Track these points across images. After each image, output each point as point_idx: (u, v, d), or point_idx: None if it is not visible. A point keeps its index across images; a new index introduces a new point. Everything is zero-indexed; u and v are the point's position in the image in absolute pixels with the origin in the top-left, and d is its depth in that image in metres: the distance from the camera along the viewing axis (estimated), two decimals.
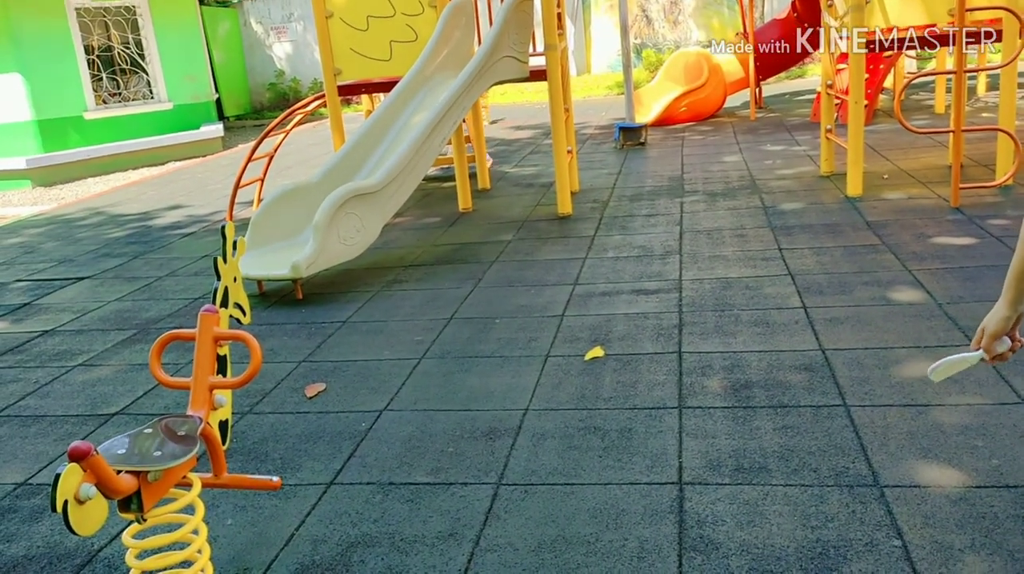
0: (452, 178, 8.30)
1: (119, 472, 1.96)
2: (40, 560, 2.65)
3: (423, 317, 4.62)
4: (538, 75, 6.83)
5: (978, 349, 1.80)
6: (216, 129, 14.29)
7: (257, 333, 4.59)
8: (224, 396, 2.42)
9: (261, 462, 3.17)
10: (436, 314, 4.64)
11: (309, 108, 8.06)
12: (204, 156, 13.60)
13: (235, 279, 2.55)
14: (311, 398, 3.71)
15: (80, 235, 7.79)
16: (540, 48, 6.97)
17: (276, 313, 4.96)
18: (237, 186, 7.50)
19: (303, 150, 12.21)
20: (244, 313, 2.62)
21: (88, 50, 13.37)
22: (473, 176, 8.13)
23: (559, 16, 6.94)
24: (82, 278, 6.18)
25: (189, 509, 2.17)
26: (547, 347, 4.01)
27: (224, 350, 2.49)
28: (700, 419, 3.18)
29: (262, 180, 7.95)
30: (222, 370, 2.48)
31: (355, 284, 5.35)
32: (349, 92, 7.55)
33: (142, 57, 14.16)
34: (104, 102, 13.61)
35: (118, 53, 13.88)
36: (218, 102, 17.14)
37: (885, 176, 6.93)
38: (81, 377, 4.21)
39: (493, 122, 13.56)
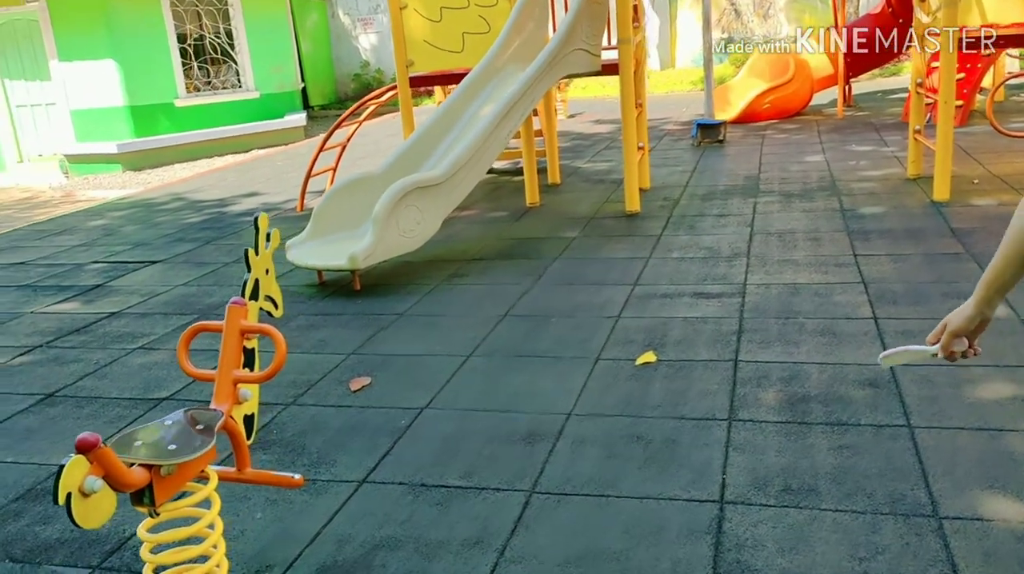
0: (522, 172, 8.20)
1: (132, 465, 1.94)
2: (72, 544, 2.68)
3: (478, 313, 4.55)
4: (611, 69, 6.67)
5: (935, 343, 1.75)
6: (299, 118, 14.53)
7: (311, 323, 4.61)
8: (250, 390, 2.39)
9: (298, 455, 3.15)
10: (492, 310, 4.56)
11: (383, 99, 8.08)
12: (287, 144, 13.84)
13: (267, 271, 2.52)
14: (355, 392, 3.68)
15: (159, 219, 8.00)
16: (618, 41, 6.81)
17: (332, 303, 4.96)
18: (308, 175, 7.57)
19: (379, 141, 12.29)
20: (276, 306, 2.59)
21: (181, 39, 13.76)
22: (543, 171, 8.04)
23: (635, 8, 6.76)
24: (155, 262, 6.32)
25: (206, 503, 2.14)
26: (599, 349, 3.89)
27: (252, 343, 2.46)
28: (750, 433, 3.02)
29: (334, 169, 8.02)
30: (250, 363, 2.45)
31: (414, 277, 5.32)
32: (421, 84, 7.54)
33: (232, 47, 14.50)
34: (197, 89, 13.98)
35: (209, 43, 14.25)
36: (304, 92, 17.44)
37: (976, 181, 6.55)
38: (139, 360, 4.28)
39: (571, 116, 13.42)
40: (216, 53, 14.40)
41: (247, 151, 13.39)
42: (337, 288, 5.25)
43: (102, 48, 12.79)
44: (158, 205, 8.83)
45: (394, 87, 7.62)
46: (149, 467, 1.96)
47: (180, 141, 13.05)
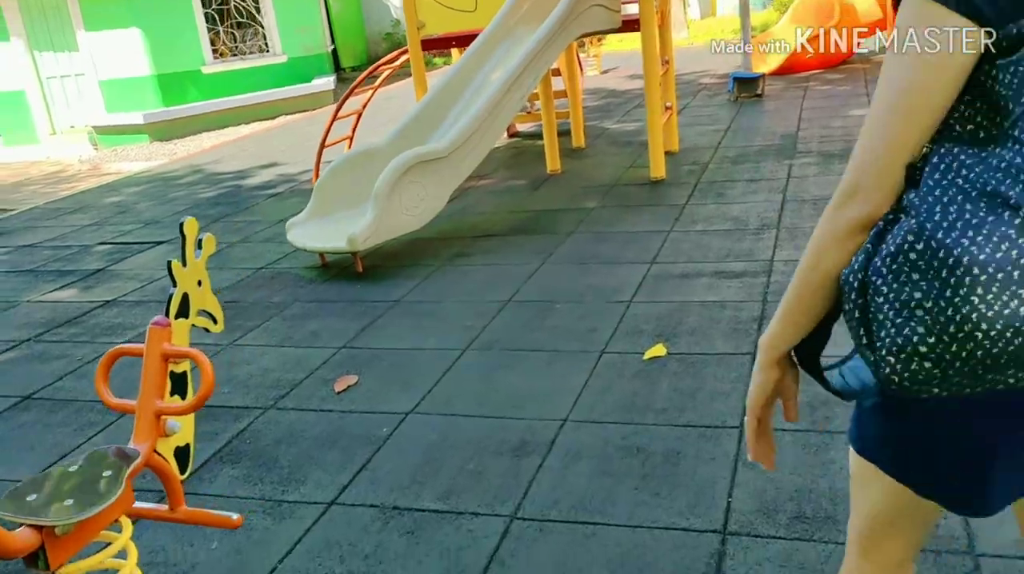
0: None
1: (20, 525, 1.69)
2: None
3: (481, 298, 4.24)
4: (633, 24, 6.22)
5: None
6: (328, 82, 14.22)
7: (306, 311, 4.35)
8: (178, 421, 2.12)
9: (268, 470, 2.90)
10: (495, 295, 4.25)
11: (397, 63, 7.72)
12: (315, 109, 13.55)
13: (199, 283, 2.24)
14: (339, 393, 3.41)
15: (174, 195, 7.81)
16: None
17: (331, 288, 4.70)
18: (322, 146, 7.27)
19: (405, 106, 11.93)
20: (215, 321, 2.30)
21: (205, 3, 13.50)
22: (567, 134, 7.64)
23: None
24: (161, 242, 6.13)
25: (121, 554, 1.89)
26: (605, 341, 3.57)
27: (183, 366, 2.19)
28: None
29: (350, 138, 7.71)
30: (180, 390, 2.18)
31: (420, 256, 5.03)
32: (434, 46, 7.16)
33: (257, 10, 14.21)
34: (230, 54, 13.74)
35: (234, 6, 13.97)
36: (335, 53, 17.12)
37: None
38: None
39: (605, 71, 12.89)
40: (242, 17, 14.14)
41: (274, 117, 13.14)
42: (339, 270, 4.98)
43: (127, 16, 12.59)
44: (176, 178, 8.65)
45: (406, 50, 7.26)
46: (40, 527, 1.72)
47: (207, 109, 12.82)
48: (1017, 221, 0.89)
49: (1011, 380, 0.97)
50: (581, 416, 3.00)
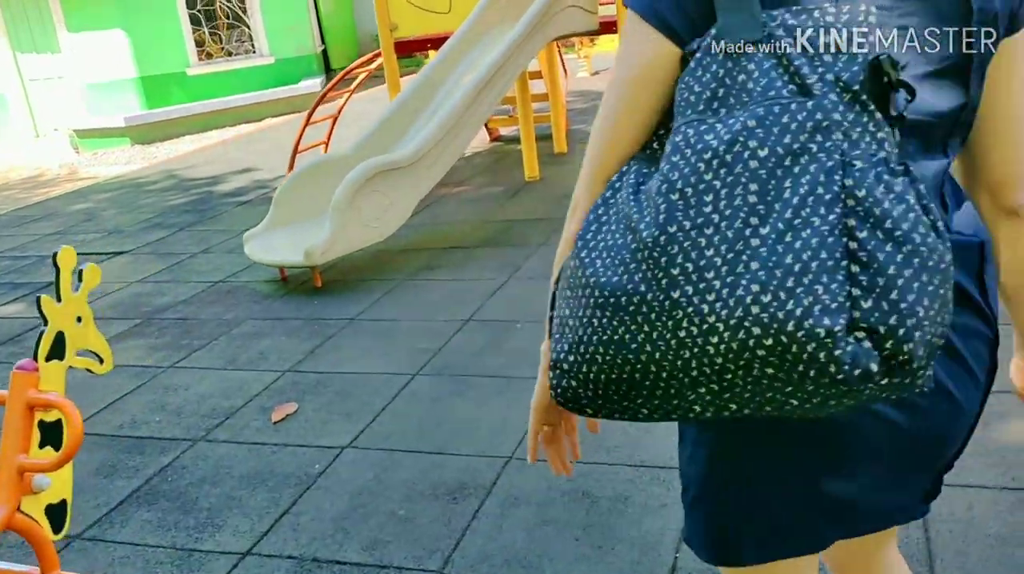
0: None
1: None
2: None
3: (439, 317, 4.01)
4: (611, 26, 5.99)
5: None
6: (316, 83, 13.98)
7: (257, 330, 4.13)
8: (49, 476, 1.89)
9: (185, 513, 2.67)
10: (454, 313, 4.02)
11: (372, 66, 7.49)
12: (301, 112, 13.31)
13: (79, 320, 2.00)
14: (276, 423, 3.18)
15: (143, 202, 7.58)
16: None
17: (287, 304, 4.47)
18: (295, 153, 7.03)
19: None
20: (101, 361, 2.07)
21: (190, 4, 13.28)
22: (549, 138, 7.40)
23: None
24: (121, 252, 5.90)
25: None
26: None
27: (55, 414, 1.95)
28: None
29: (326, 143, 7.48)
30: (54, 441, 1.94)
31: (382, 270, 4.80)
32: (408, 49, 6.93)
33: (244, 11, 13.98)
34: (210, 56, 13.52)
35: (220, 7, 13.75)
36: (325, 54, 16.90)
37: None
38: None
39: (596, 73, 12.65)
40: (228, 18, 13.91)
41: (260, 120, 12.92)
42: (299, 285, 4.75)
43: (110, 17, 12.36)
44: (147, 185, 8.42)
45: (379, 53, 7.03)
46: None
47: (190, 112, 12.58)
48: (634, 246, 0.86)
49: (644, 410, 0.92)
50: (527, 453, 2.76)
